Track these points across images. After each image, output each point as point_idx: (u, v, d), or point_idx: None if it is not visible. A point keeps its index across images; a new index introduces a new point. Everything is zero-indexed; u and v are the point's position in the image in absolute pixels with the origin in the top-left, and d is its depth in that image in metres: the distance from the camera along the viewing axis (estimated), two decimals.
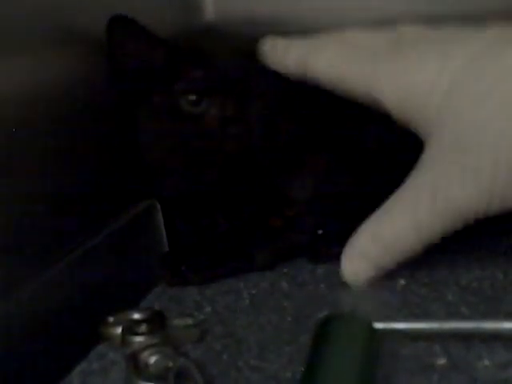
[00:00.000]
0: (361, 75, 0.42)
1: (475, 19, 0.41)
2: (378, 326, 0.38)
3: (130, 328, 0.39)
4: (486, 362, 0.36)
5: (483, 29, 0.41)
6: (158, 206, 0.55)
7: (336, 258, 0.46)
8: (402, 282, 0.46)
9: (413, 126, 0.41)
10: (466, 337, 0.38)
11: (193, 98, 0.48)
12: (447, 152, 0.40)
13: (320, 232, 0.50)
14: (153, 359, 0.36)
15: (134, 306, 0.46)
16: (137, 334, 0.38)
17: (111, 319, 0.41)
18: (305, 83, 0.47)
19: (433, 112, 0.40)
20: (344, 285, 0.46)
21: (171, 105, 0.49)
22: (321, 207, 0.51)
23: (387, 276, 0.47)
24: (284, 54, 0.47)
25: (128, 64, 0.50)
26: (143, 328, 0.39)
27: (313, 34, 0.56)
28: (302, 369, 0.34)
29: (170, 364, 0.35)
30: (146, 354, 0.37)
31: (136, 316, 0.41)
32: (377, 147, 0.52)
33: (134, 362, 0.36)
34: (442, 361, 0.36)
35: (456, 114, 0.39)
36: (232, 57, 0.50)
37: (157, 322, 0.39)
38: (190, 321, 0.42)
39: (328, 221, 0.51)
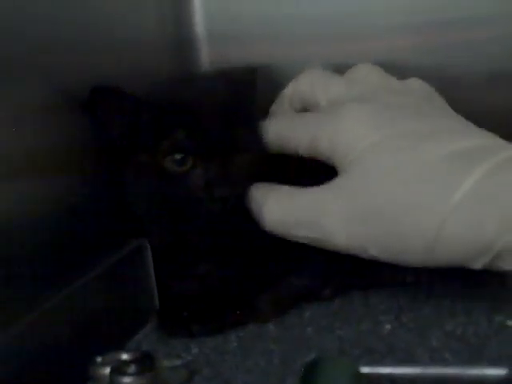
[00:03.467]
0: (306, 134, 0.49)
1: None
2: (364, 370, 0.38)
3: (119, 368, 0.39)
4: None
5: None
6: (148, 246, 0.55)
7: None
8: (388, 326, 0.47)
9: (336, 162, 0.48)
10: (449, 382, 0.38)
11: (177, 157, 0.49)
12: (347, 190, 0.46)
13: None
14: None
15: (122, 346, 0.46)
16: (125, 374, 0.39)
17: (99, 359, 0.41)
18: None
19: (353, 158, 0.46)
20: (331, 329, 0.47)
21: (156, 164, 0.49)
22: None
23: (373, 321, 0.48)
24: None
25: (112, 130, 0.50)
26: (132, 369, 0.39)
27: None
28: None
29: None
30: None
31: (124, 356, 0.41)
32: None
33: None
34: None
35: (366, 167, 0.45)
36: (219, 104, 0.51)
37: (145, 362, 0.40)
38: (178, 362, 0.42)
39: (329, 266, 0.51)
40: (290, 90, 0.54)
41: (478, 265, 0.42)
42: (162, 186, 0.50)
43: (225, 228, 0.50)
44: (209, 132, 0.49)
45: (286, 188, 0.49)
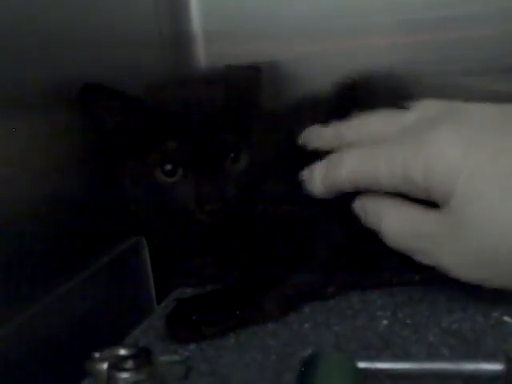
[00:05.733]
0: (394, 167, 0.43)
1: None
2: (362, 365, 0.38)
3: (116, 364, 0.39)
4: None
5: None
6: (145, 243, 0.56)
7: None
8: (385, 322, 0.47)
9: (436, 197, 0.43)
10: (446, 377, 0.38)
11: (167, 168, 0.49)
12: (455, 225, 0.42)
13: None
14: None
15: (120, 342, 0.46)
16: (123, 370, 0.38)
17: (97, 355, 0.41)
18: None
19: (453, 191, 0.41)
20: (328, 324, 0.47)
21: (147, 173, 0.49)
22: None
23: (370, 316, 0.48)
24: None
25: (103, 129, 0.49)
26: (129, 364, 0.39)
27: (305, 80, 0.58)
28: None
29: None
30: None
31: (122, 352, 0.41)
32: None
33: None
34: None
35: (471, 198, 0.41)
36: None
37: (143, 358, 0.40)
38: (175, 357, 0.42)
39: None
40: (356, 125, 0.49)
41: None
42: (153, 194, 0.49)
43: (223, 229, 0.50)
44: (201, 143, 0.48)
45: (405, 206, 0.45)
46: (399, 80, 0.56)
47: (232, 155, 0.49)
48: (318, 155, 0.50)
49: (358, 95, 0.55)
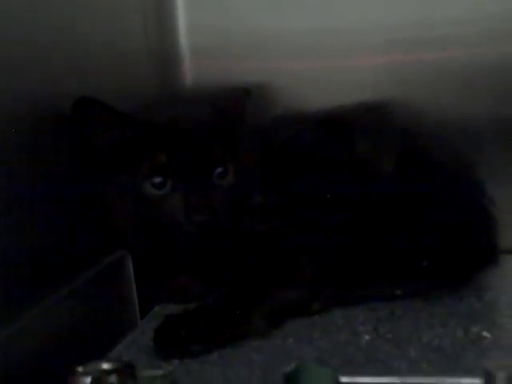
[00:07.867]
0: None
1: None
2: (344, 379, 0.39)
3: (100, 378, 0.39)
4: None
5: None
6: (129, 258, 0.56)
7: None
8: (367, 337, 0.48)
9: None
10: None
11: (157, 180, 0.49)
12: None
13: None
14: None
15: (103, 356, 0.46)
16: None
17: (80, 369, 0.41)
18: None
19: None
20: (310, 339, 0.47)
21: (136, 186, 0.50)
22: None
23: (352, 332, 0.48)
24: None
25: (94, 142, 0.50)
26: (112, 378, 0.39)
27: (292, 97, 0.59)
28: None
29: None
30: None
31: (105, 366, 0.41)
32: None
33: None
34: None
35: None
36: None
37: (126, 372, 0.40)
38: (159, 372, 0.42)
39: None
40: None
41: None
42: (142, 208, 0.50)
43: (210, 244, 0.51)
44: (190, 155, 0.49)
45: None
46: (386, 110, 0.57)
47: (220, 169, 0.50)
48: (305, 169, 0.51)
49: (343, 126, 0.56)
